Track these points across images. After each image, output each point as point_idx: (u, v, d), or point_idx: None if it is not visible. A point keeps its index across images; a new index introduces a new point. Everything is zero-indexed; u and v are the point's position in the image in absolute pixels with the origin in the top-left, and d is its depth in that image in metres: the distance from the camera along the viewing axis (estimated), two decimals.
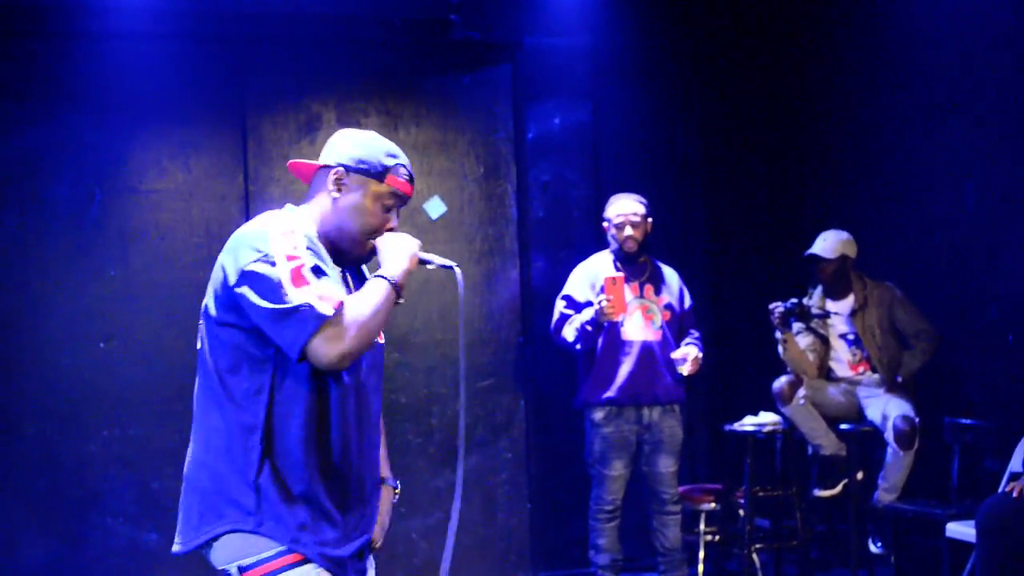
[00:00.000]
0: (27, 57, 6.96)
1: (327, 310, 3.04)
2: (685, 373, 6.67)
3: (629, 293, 6.64)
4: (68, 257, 6.95)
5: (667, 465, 6.78)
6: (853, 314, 7.15)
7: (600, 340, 6.67)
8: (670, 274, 6.90)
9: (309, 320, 3.03)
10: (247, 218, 7.05)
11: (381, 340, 3.52)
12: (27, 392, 6.90)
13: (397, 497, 3.89)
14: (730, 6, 8.15)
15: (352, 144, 3.35)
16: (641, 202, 6.73)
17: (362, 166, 3.30)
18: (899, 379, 7.07)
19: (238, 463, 3.21)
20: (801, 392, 7.04)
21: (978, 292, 7.07)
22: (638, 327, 6.70)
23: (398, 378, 7.35)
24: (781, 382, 7.07)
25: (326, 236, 3.29)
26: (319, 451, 3.25)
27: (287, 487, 3.19)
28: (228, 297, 3.17)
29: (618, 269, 6.74)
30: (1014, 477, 6.12)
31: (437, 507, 7.40)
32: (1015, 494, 5.71)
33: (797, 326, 7.26)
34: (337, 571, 3.31)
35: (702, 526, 7.25)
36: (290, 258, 3.08)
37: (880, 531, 7.09)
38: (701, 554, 7.21)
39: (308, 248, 3.15)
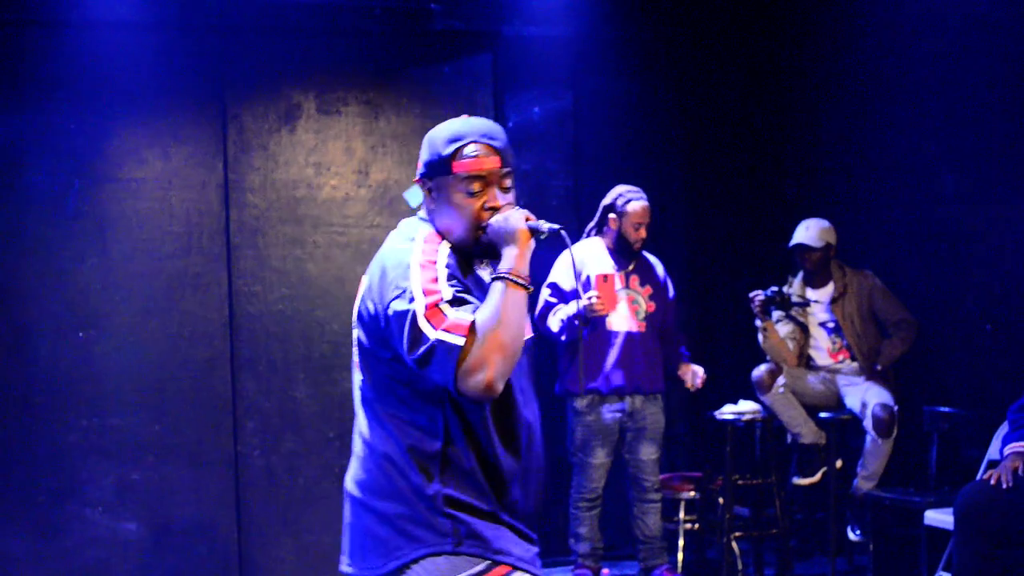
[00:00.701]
0: (5, 46, 6.92)
1: (457, 340, 2.92)
2: (692, 390, 6.78)
3: (618, 282, 6.66)
4: (46, 246, 6.92)
5: (649, 453, 6.80)
6: (833, 302, 7.17)
7: (586, 330, 6.69)
8: (656, 265, 6.91)
9: (445, 359, 2.92)
10: (226, 207, 7.07)
11: (529, 334, 3.25)
12: (5, 382, 6.88)
13: None
14: None
15: (423, 148, 3.32)
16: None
17: (431, 167, 3.27)
18: (878, 367, 7.09)
19: (422, 487, 3.12)
20: (781, 380, 7.06)
21: (957, 281, 7.09)
22: (623, 318, 6.72)
23: None
24: (761, 370, 7.09)
25: (451, 243, 3.19)
26: (499, 466, 3.16)
27: (475, 507, 3.12)
28: (379, 334, 3.11)
29: (619, 261, 6.77)
30: (992, 465, 6.13)
31: None
32: (993, 481, 5.73)
33: (777, 314, 7.27)
34: None
35: (682, 514, 7.26)
36: (428, 293, 3.00)
37: (859, 519, 7.11)
38: (681, 542, 7.22)
39: (449, 273, 3.08)
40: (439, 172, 3.24)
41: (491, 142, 3.23)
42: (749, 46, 8.20)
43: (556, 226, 3.17)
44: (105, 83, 6.99)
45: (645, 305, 6.78)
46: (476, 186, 3.20)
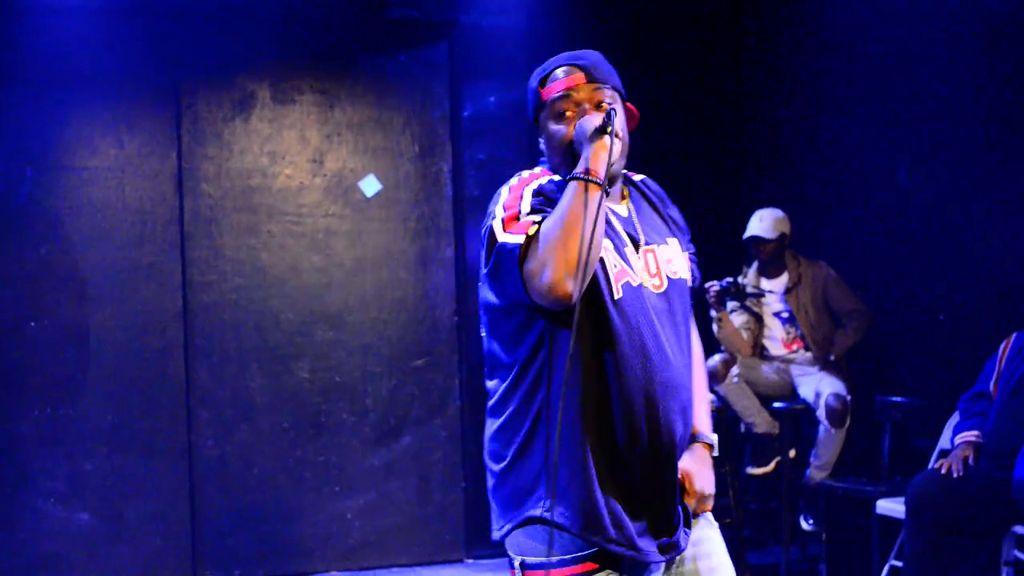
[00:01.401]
0: None
1: (518, 239, 2.83)
2: None
3: None
4: None
5: None
6: (787, 292, 7.20)
7: None
8: None
9: (509, 263, 2.83)
10: (180, 196, 7.04)
11: (679, 276, 3.13)
12: None
13: (715, 453, 3.27)
14: None
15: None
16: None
17: (532, 109, 3.19)
18: (832, 357, 7.13)
19: (525, 450, 3.01)
20: (735, 370, 7.08)
21: (910, 272, 7.13)
22: None
23: (331, 356, 7.33)
24: (715, 360, 7.11)
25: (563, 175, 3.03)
26: (602, 434, 2.96)
27: (571, 477, 2.95)
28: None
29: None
30: (943, 454, 6.18)
31: (371, 487, 7.39)
32: (944, 471, 5.77)
33: (731, 304, 7.30)
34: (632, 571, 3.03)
35: None
36: (507, 208, 2.94)
37: (812, 508, 7.15)
38: None
39: (536, 192, 2.98)
40: (536, 109, 3.16)
41: (575, 62, 3.12)
42: (706, 37, 8.21)
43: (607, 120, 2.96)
44: (58, 71, 6.93)
45: None
46: (566, 108, 3.08)
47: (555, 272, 2.78)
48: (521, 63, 7.79)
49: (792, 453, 7.16)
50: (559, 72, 3.10)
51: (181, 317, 7.08)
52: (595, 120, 2.96)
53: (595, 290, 2.94)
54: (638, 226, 3.13)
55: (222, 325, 7.17)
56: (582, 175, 2.87)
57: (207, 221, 7.12)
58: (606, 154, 2.91)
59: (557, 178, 3.07)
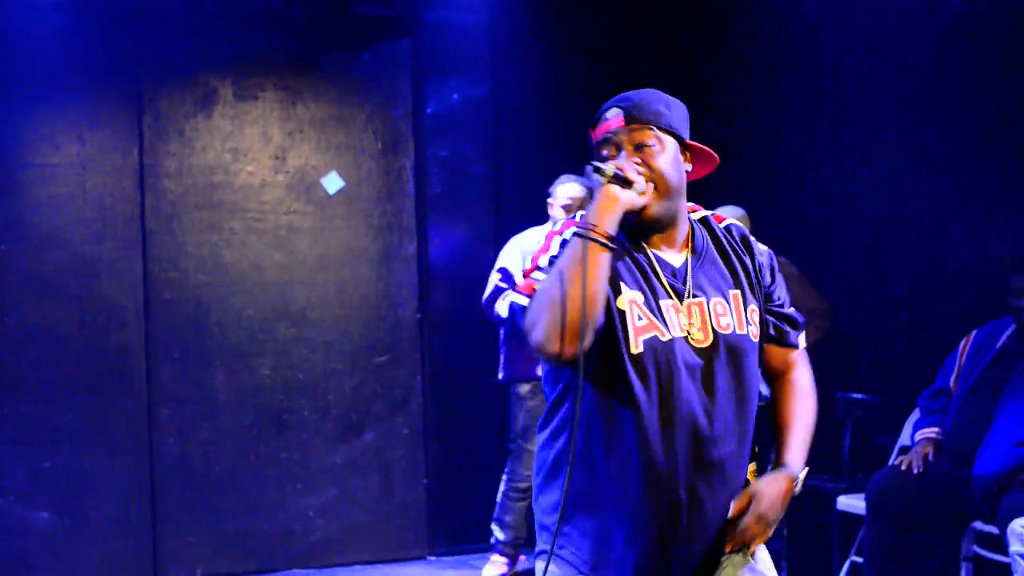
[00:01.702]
0: None
1: (522, 299, 2.81)
2: None
3: None
4: None
5: None
6: None
7: None
8: None
9: (517, 320, 2.82)
10: (142, 193, 7.00)
11: (732, 330, 2.96)
12: None
13: (798, 489, 3.14)
14: None
15: None
16: (586, 186, 6.71)
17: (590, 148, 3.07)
18: None
19: (550, 482, 3.04)
20: None
21: (870, 269, 7.16)
22: None
23: (294, 354, 7.31)
24: None
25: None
26: (624, 490, 2.91)
27: (584, 517, 2.97)
28: None
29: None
30: (903, 451, 6.21)
31: (333, 484, 7.37)
32: (904, 467, 5.80)
33: None
34: None
35: None
36: (534, 258, 2.91)
37: None
38: None
39: (565, 244, 2.87)
40: (590, 153, 3.04)
41: (621, 103, 3.00)
42: (668, 34, 8.21)
43: (608, 168, 2.87)
44: (18, 66, 6.88)
45: None
46: (606, 151, 2.98)
47: (542, 332, 2.73)
48: (484, 60, 7.81)
49: (754, 450, 7.17)
50: (607, 114, 3.00)
51: (142, 314, 7.05)
52: (605, 169, 2.86)
53: (613, 343, 2.87)
54: (689, 276, 2.99)
55: (184, 322, 7.14)
56: (581, 229, 2.79)
57: (169, 218, 7.09)
58: (615, 204, 2.83)
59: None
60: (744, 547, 2.97)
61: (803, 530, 6.80)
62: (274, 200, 7.27)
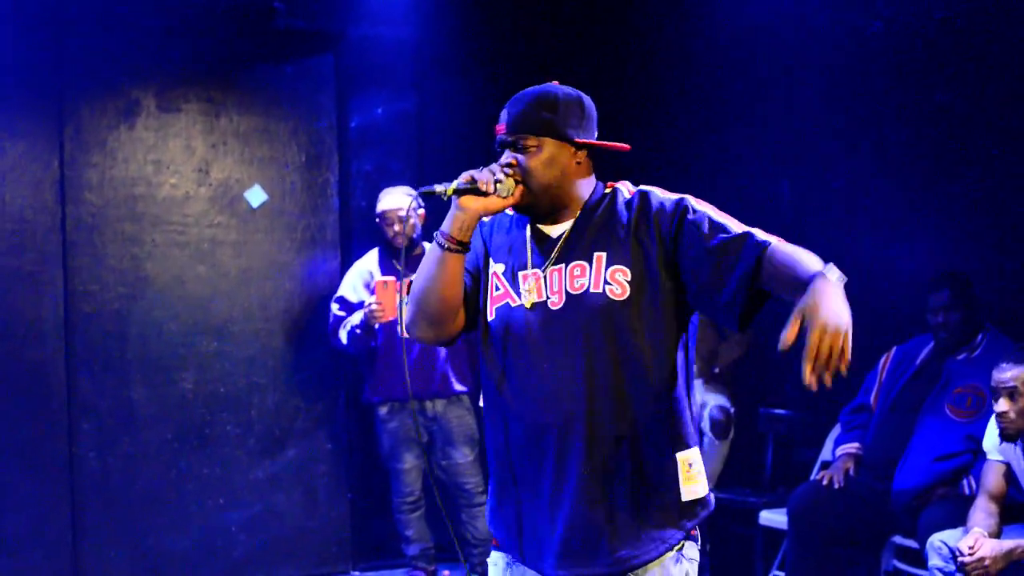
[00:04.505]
0: None
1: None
2: None
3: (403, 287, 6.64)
4: None
5: (463, 455, 6.82)
6: None
7: (379, 337, 6.69)
8: None
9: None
10: (62, 204, 6.92)
11: (585, 289, 3.06)
12: None
13: (842, 278, 2.94)
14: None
15: None
16: (410, 195, 6.70)
17: None
18: (716, 370, 7.20)
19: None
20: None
21: None
22: None
23: (216, 368, 7.26)
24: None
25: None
26: (499, 450, 3.19)
27: (498, 489, 3.24)
28: None
29: (386, 265, 6.76)
30: (825, 466, 6.28)
31: (256, 499, 7.33)
32: (825, 482, 5.86)
33: None
34: None
35: None
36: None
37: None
38: None
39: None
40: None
41: (510, 107, 3.23)
42: (592, 47, 8.25)
43: (443, 188, 3.08)
44: None
45: None
46: (504, 151, 3.17)
47: (408, 321, 3.21)
48: (408, 74, 7.82)
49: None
50: (501, 116, 3.22)
51: (62, 327, 6.96)
52: (439, 188, 3.07)
53: (483, 315, 3.20)
54: (560, 247, 3.13)
55: (104, 335, 7.07)
56: (436, 235, 3.11)
57: (90, 230, 7.01)
58: (464, 213, 3.06)
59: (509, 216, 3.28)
60: (826, 369, 2.78)
61: (726, 544, 6.84)
62: (197, 213, 7.22)
